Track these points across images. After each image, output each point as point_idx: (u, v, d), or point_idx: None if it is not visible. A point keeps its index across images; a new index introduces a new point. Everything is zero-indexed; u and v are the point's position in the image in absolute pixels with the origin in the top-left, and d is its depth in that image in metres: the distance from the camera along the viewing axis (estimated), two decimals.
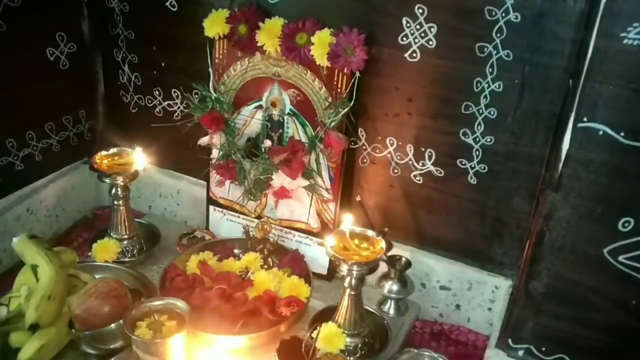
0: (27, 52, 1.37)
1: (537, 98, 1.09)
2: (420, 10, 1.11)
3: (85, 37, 1.51)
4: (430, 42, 1.13)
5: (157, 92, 1.50)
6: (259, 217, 1.38)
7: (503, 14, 1.04)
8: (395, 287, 1.26)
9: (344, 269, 1.08)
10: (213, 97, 1.31)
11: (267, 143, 1.32)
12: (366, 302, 1.18)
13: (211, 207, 1.46)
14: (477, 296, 1.30)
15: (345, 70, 1.18)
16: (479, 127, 1.15)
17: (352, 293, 1.12)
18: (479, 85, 1.12)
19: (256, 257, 1.29)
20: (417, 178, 1.27)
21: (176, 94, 1.47)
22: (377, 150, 1.28)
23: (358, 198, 1.34)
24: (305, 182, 1.27)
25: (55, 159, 1.52)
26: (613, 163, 0.91)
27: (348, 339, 1.13)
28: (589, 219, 0.96)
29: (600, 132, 0.90)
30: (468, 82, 1.13)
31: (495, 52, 1.08)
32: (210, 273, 1.24)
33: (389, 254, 1.24)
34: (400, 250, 1.30)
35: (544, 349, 1.10)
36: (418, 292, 1.32)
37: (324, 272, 1.35)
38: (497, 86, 1.11)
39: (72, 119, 1.54)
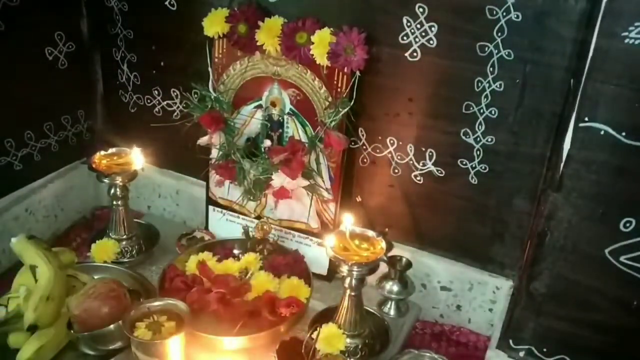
0: (25, 52, 1.37)
1: (538, 98, 1.08)
2: (421, 9, 1.10)
3: (84, 37, 1.50)
4: (431, 42, 1.12)
5: (156, 91, 1.49)
6: (258, 217, 1.38)
7: (504, 13, 1.04)
8: (395, 288, 1.26)
9: (344, 269, 1.07)
10: (212, 97, 1.31)
11: (267, 143, 1.32)
12: (366, 302, 1.18)
13: (210, 208, 1.46)
14: (478, 297, 1.30)
15: (345, 70, 1.17)
16: (480, 126, 1.15)
17: (353, 294, 1.11)
18: (479, 84, 1.12)
19: (256, 258, 1.28)
20: (418, 178, 1.26)
21: (175, 93, 1.46)
22: (378, 150, 1.28)
23: (358, 198, 1.34)
24: (305, 182, 1.27)
25: (54, 159, 1.52)
26: (614, 163, 0.91)
27: (348, 340, 1.13)
28: (590, 219, 0.96)
29: (602, 132, 0.90)
30: (469, 82, 1.12)
31: (496, 51, 1.08)
32: (209, 274, 1.24)
33: (390, 254, 1.24)
34: (401, 251, 1.30)
35: (545, 349, 1.09)
36: (419, 292, 1.32)
37: (324, 272, 1.35)
38: (498, 86, 1.10)
39: (71, 118, 1.54)
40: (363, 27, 1.14)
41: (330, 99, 1.22)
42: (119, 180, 1.33)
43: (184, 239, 1.43)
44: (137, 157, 1.36)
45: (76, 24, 1.48)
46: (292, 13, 1.20)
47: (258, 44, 1.22)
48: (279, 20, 1.20)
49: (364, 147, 1.29)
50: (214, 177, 1.38)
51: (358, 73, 1.17)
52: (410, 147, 1.24)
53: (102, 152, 1.37)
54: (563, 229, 0.99)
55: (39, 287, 1.10)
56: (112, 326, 1.07)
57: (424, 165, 1.24)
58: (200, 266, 1.26)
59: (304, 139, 1.28)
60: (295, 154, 1.24)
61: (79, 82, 1.53)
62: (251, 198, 1.35)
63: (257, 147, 1.33)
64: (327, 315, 1.18)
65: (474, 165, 1.19)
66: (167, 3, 1.36)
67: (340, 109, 1.20)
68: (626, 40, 0.84)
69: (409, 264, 1.27)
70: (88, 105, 1.58)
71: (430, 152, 1.22)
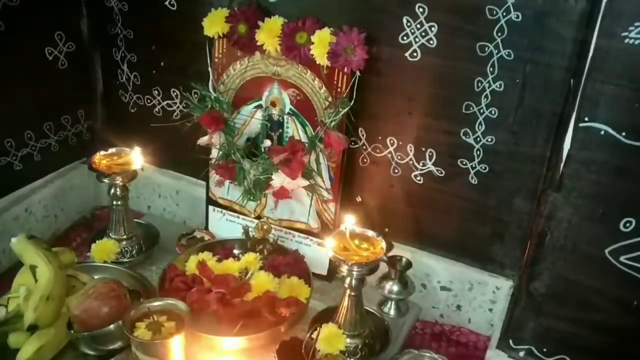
0: (25, 52, 1.37)
1: (538, 98, 1.08)
2: (421, 9, 1.10)
3: (84, 37, 1.50)
4: (431, 42, 1.12)
5: (156, 91, 1.49)
6: (258, 217, 1.38)
7: (504, 13, 1.04)
8: (395, 288, 1.26)
9: (344, 269, 1.07)
10: (212, 97, 1.31)
11: (267, 143, 1.32)
12: (366, 302, 1.18)
13: (210, 207, 1.45)
14: (478, 297, 1.30)
15: (345, 70, 1.17)
16: (480, 126, 1.15)
17: (353, 294, 1.11)
18: (479, 84, 1.12)
19: (256, 258, 1.28)
20: (418, 178, 1.26)
21: (175, 93, 1.46)
22: (378, 150, 1.28)
23: (358, 198, 1.34)
24: (305, 182, 1.27)
25: (54, 158, 1.52)
26: (614, 163, 0.91)
27: (348, 340, 1.13)
28: (591, 219, 0.96)
29: (602, 132, 0.90)
30: (469, 82, 1.12)
31: (496, 51, 1.08)
32: (209, 274, 1.24)
33: (390, 254, 1.24)
34: (401, 251, 1.29)
35: (545, 349, 1.09)
36: (419, 292, 1.32)
37: (324, 272, 1.35)
38: (498, 86, 1.10)
39: (71, 118, 1.54)
40: (363, 27, 1.14)
41: (330, 99, 1.22)
42: (119, 180, 1.33)
43: (184, 239, 1.42)
44: (137, 157, 1.35)
45: (76, 24, 1.48)
46: (292, 13, 1.20)
47: (258, 44, 1.22)
48: (279, 20, 1.20)
49: (364, 147, 1.29)
50: (214, 177, 1.38)
51: (358, 73, 1.17)
52: (410, 147, 1.24)
53: (102, 152, 1.37)
54: (563, 229, 0.99)
55: (39, 287, 1.09)
56: (112, 326, 1.07)
57: (424, 165, 1.24)
58: (200, 266, 1.25)
59: (304, 139, 1.28)
60: (295, 154, 1.24)
61: (79, 82, 1.53)
62: (251, 198, 1.35)
63: (257, 147, 1.33)
64: (327, 315, 1.18)
65: (474, 165, 1.19)
66: (167, 3, 1.36)
67: (340, 109, 1.19)
68: (626, 40, 0.84)
69: (409, 264, 1.27)
70: (88, 105, 1.58)
71: (430, 152, 1.22)
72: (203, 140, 1.33)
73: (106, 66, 1.54)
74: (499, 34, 1.06)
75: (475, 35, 1.08)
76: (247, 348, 1.14)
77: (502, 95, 1.11)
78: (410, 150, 1.24)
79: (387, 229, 1.23)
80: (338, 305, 1.15)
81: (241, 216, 1.42)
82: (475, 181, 1.21)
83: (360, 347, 1.15)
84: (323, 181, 1.28)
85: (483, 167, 1.19)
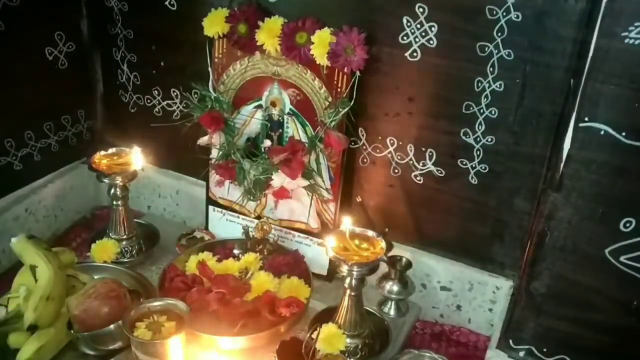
0: (25, 52, 1.37)
1: (538, 97, 1.08)
2: (421, 9, 1.10)
3: (84, 37, 1.50)
4: (431, 42, 1.12)
5: (156, 91, 1.49)
6: (258, 217, 1.38)
7: (504, 13, 1.04)
8: (395, 288, 1.26)
9: (344, 269, 1.07)
10: (212, 97, 1.31)
11: (267, 143, 1.32)
12: (366, 302, 1.18)
13: (210, 207, 1.46)
14: (478, 297, 1.30)
15: (345, 70, 1.17)
16: (480, 126, 1.15)
17: (353, 294, 1.11)
18: (479, 84, 1.12)
19: (256, 258, 1.28)
20: (418, 178, 1.26)
21: (175, 93, 1.46)
22: (378, 150, 1.28)
23: (358, 198, 1.33)
24: (305, 182, 1.27)
25: (54, 159, 1.52)
26: (614, 163, 0.91)
27: (348, 340, 1.13)
28: (591, 219, 0.96)
29: (602, 132, 0.90)
30: (469, 82, 1.12)
31: (496, 51, 1.08)
32: (209, 274, 1.24)
33: (390, 254, 1.24)
34: (401, 251, 1.29)
35: (545, 349, 1.09)
36: (419, 292, 1.32)
37: (324, 272, 1.35)
38: (498, 86, 1.10)
39: (71, 118, 1.54)
40: (363, 27, 1.14)
41: (330, 99, 1.22)
42: (119, 180, 1.33)
43: (184, 239, 1.43)
44: (137, 157, 1.35)
45: (76, 24, 1.48)
46: (292, 13, 1.20)
47: (258, 44, 1.22)
48: (279, 20, 1.20)
49: (364, 147, 1.29)
50: (214, 177, 1.38)
51: (358, 73, 1.17)
52: (410, 147, 1.24)
53: (102, 152, 1.37)
54: (563, 229, 0.99)
55: (39, 287, 1.10)
56: (112, 326, 1.07)
57: (424, 165, 1.24)
58: (200, 266, 1.26)
59: (304, 139, 1.28)
60: (295, 154, 1.24)
61: (79, 82, 1.53)
62: (251, 198, 1.35)
63: (257, 147, 1.33)
64: (327, 315, 1.18)
65: (474, 165, 1.19)
66: (167, 3, 1.36)
67: (340, 109, 1.20)
68: (626, 40, 0.84)
69: (409, 264, 1.27)
70: (88, 105, 1.58)
71: (430, 152, 1.22)
72: (203, 140, 1.33)
73: (106, 66, 1.54)
74: (499, 34, 1.06)
75: (475, 35, 1.08)
76: (247, 348, 1.14)
77: (502, 95, 1.11)
78: (410, 150, 1.24)
79: (387, 229, 1.23)
80: (338, 305, 1.15)
81: (241, 216, 1.42)
82: (475, 181, 1.21)
83: (360, 347, 1.15)
84: (323, 181, 1.28)
85: (483, 167, 1.19)
